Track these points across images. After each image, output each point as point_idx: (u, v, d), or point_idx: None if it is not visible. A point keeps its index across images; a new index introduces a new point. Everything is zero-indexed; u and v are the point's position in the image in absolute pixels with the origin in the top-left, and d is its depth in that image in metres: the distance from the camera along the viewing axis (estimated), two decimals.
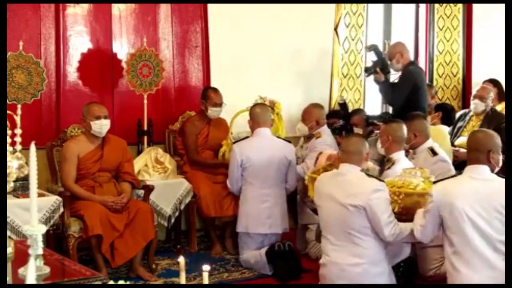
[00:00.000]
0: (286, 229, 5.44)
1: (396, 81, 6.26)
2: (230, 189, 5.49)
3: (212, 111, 5.85)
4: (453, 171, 5.05)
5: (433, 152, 5.03)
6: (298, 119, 6.71)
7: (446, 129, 6.27)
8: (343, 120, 6.36)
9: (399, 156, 4.86)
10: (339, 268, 4.25)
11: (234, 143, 5.45)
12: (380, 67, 6.13)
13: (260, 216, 5.29)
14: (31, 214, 2.27)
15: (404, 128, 4.93)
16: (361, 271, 4.22)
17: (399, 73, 6.16)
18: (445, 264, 4.97)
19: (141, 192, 5.26)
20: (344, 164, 4.40)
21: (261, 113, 5.42)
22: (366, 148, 4.46)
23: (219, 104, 5.84)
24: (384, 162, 5.36)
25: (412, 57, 6.54)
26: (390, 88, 6.14)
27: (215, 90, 5.89)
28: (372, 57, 6.40)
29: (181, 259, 2.21)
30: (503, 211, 3.72)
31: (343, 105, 6.64)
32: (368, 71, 6.31)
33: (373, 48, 6.31)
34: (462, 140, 6.45)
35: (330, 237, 4.32)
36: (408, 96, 5.93)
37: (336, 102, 6.92)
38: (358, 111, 6.57)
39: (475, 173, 3.88)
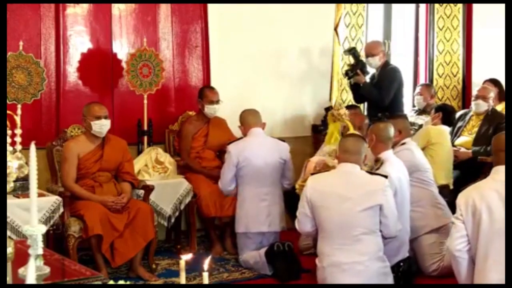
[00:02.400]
0: (284, 228, 5.45)
1: (373, 81, 6.50)
2: (221, 190, 5.44)
3: (208, 109, 5.84)
4: (417, 161, 5.09)
5: (403, 143, 5.14)
6: (297, 119, 6.72)
7: (447, 129, 6.28)
8: None
9: (387, 155, 4.81)
10: (339, 268, 4.24)
11: (229, 144, 5.43)
12: (360, 69, 6.39)
13: (260, 215, 5.30)
14: (31, 214, 2.26)
15: (391, 128, 4.89)
16: (363, 268, 4.23)
17: (372, 73, 6.52)
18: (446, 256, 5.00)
19: (141, 192, 5.26)
20: (345, 163, 4.37)
21: (251, 118, 5.46)
22: (365, 148, 4.44)
23: (216, 102, 5.84)
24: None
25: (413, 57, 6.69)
26: (375, 88, 6.39)
27: (211, 88, 5.93)
28: (347, 60, 6.73)
29: (182, 260, 2.19)
30: None
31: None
32: (349, 74, 6.47)
33: (353, 51, 6.53)
34: (462, 140, 6.46)
35: (334, 236, 4.28)
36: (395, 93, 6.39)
37: (336, 102, 6.92)
38: (352, 107, 6.56)
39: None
